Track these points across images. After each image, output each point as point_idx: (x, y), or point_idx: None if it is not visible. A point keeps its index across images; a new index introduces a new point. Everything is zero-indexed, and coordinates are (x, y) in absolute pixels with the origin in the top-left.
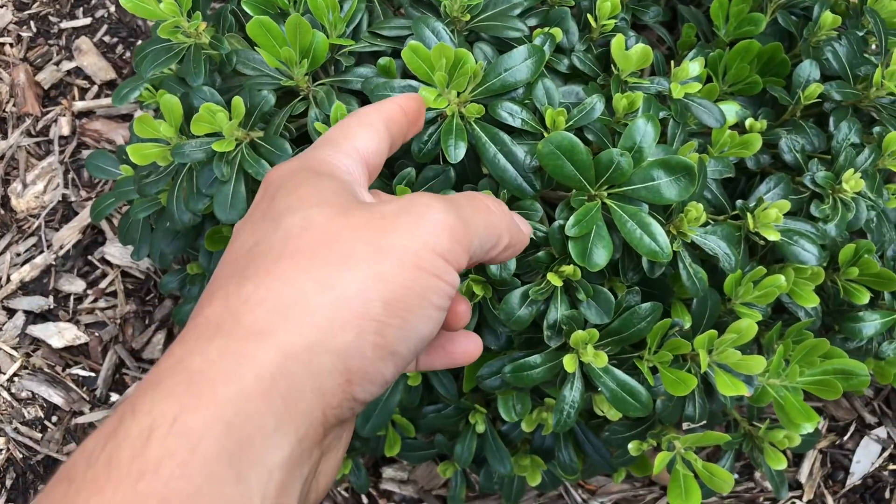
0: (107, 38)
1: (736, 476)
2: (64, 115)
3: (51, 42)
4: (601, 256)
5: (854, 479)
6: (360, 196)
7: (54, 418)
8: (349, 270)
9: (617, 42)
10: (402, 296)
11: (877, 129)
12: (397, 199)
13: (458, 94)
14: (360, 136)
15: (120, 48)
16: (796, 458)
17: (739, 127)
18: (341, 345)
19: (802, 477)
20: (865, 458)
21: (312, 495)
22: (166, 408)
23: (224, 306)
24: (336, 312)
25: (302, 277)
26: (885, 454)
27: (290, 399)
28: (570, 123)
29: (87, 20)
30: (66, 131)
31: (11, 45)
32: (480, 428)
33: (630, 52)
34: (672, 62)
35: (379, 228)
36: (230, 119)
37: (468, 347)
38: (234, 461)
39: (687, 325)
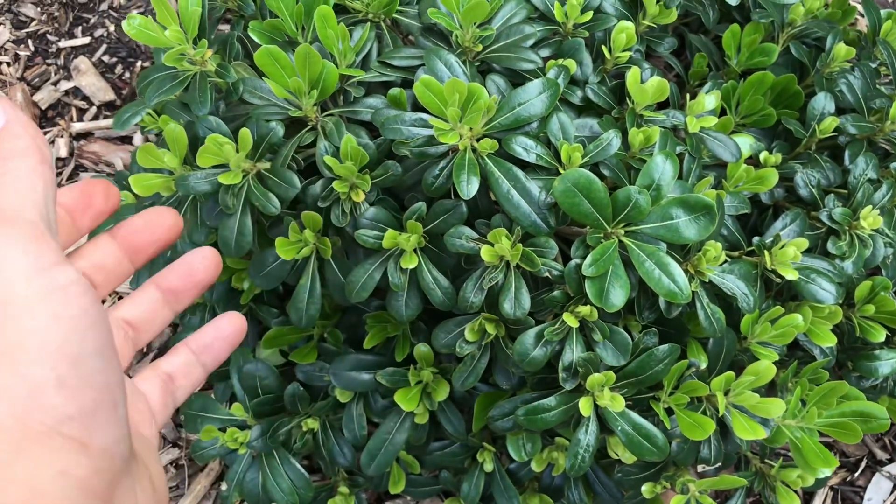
0: (106, 58)
1: None
2: (62, 137)
3: (49, 61)
4: (619, 297)
5: None
6: None
7: None
8: None
9: (633, 75)
10: (41, 342)
11: (893, 164)
12: None
13: (471, 128)
14: None
15: (119, 68)
16: (807, 495)
17: (754, 160)
18: (41, 424)
19: None
20: (877, 496)
21: None
22: None
23: None
24: (14, 405)
25: None
26: None
27: (33, 497)
28: (586, 159)
29: (86, 39)
30: (63, 153)
31: (9, 63)
32: (489, 466)
33: (646, 86)
34: (684, 91)
35: None
36: (237, 151)
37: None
38: None
39: (703, 365)
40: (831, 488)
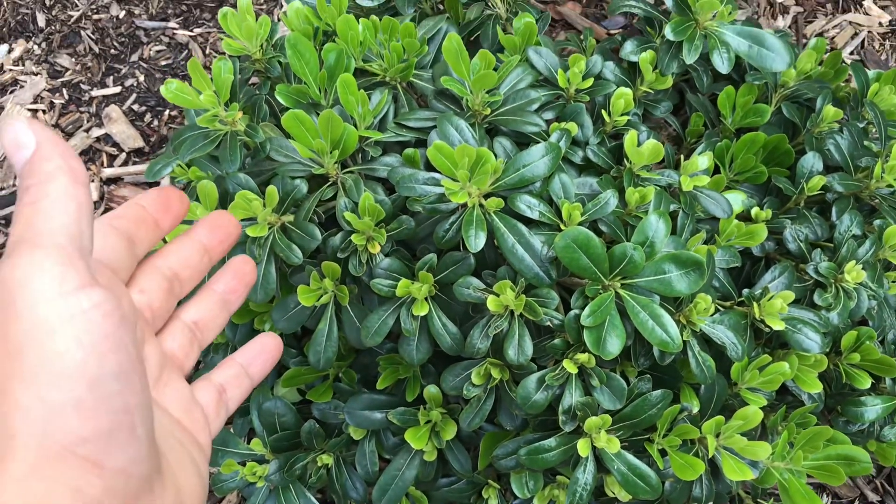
0: (135, 107)
1: None
2: (93, 181)
3: (82, 109)
4: (615, 345)
5: None
6: None
7: None
8: (12, 389)
9: (630, 139)
10: (59, 365)
11: (877, 221)
12: None
13: (479, 188)
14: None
15: (148, 116)
16: None
17: (745, 214)
18: (57, 444)
19: None
20: None
21: None
22: None
23: None
24: (31, 426)
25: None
26: None
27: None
28: (585, 217)
29: (117, 89)
30: (95, 197)
31: (44, 111)
32: (493, 503)
33: (642, 149)
34: (680, 148)
35: (4, 338)
36: (264, 206)
37: (268, 342)
38: None
39: (695, 410)
40: None
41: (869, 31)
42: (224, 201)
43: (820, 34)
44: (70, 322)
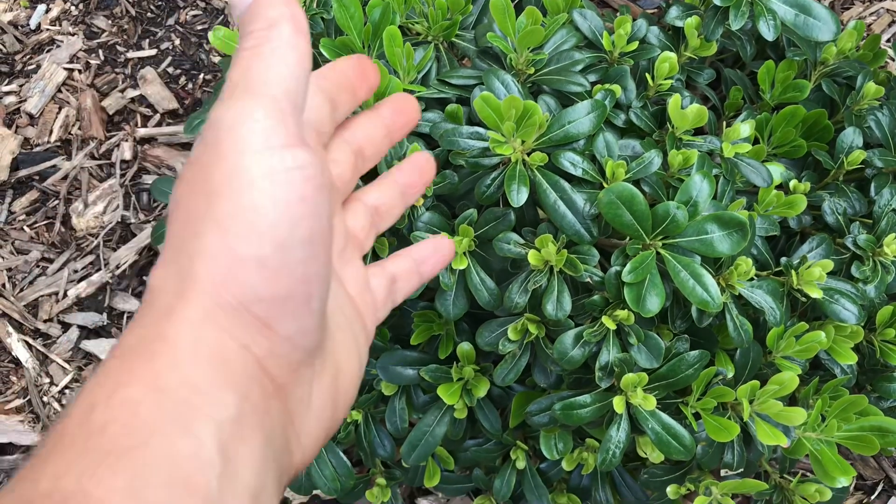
0: (170, 70)
1: None
2: (126, 141)
3: (117, 70)
4: (654, 303)
5: None
6: None
7: None
8: (204, 231)
9: (674, 101)
10: (256, 216)
11: None
12: (205, 129)
13: (523, 142)
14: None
15: (183, 79)
16: None
17: (783, 188)
18: (232, 299)
19: None
20: None
21: (296, 448)
22: (103, 386)
23: (147, 291)
24: (215, 274)
25: (180, 255)
26: None
27: (218, 360)
28: (629, 175)
29: (153, 51)
30: (127, 156)
31: (80, 71)
32: (521, 464)
33: (686, 112)
34: (720, 121)
35: (202, 178)
36: None
37: (443, 244)
38: (177, 420)
39: (730, 375)
40: None
41: None
42: None
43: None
44: (270, 178)
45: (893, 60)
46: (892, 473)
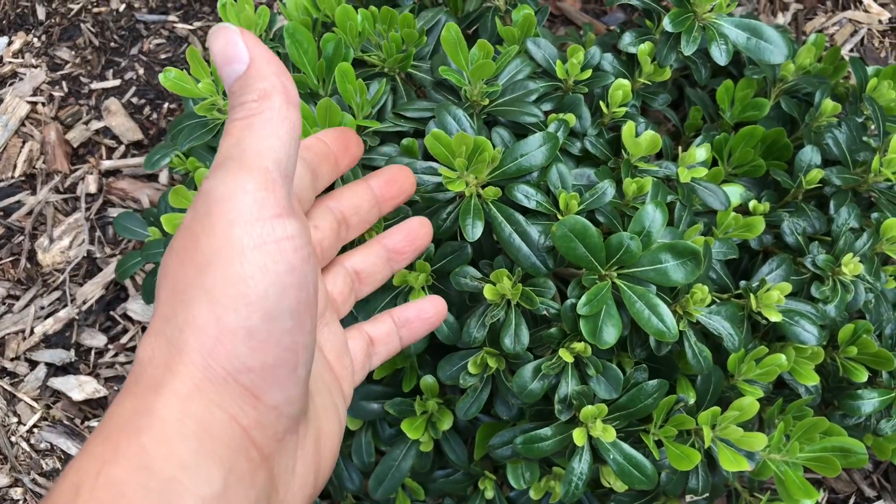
0: (135, 100)
1: None
2: (91, 174)
3: (81, 102)
4: (611, 335)
5: None
6: None
7: None
8: (193, 302)
9: (628, 129)
10: (245, 288)
11: (875, 214)
12: (195, 201)
13: (477, 177)
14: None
15: (147, 109)
16: None
17: (743, 208)
18: (221, 370)
19: None
20: None
21: (311, 476)
22: (90, 465)
23: (137, 364)
24: (202, 345)
25: (169, 329)
26: None
27: (204, 435)
28: (583, 206)
29: (117, 82)
30: (92, 189)
31: (44, 104)
32: (489, 494)
33: (640, 140)
34: (678, 142)
35: (192, 247)
36: None
37: (428, 308)
38: (162, 499)
39: (691, 401)
40: None
41: (869, 29)
42: None
43: (820, 31)
44: (261, 248)
45: (852, 75)
46: (863, 486)
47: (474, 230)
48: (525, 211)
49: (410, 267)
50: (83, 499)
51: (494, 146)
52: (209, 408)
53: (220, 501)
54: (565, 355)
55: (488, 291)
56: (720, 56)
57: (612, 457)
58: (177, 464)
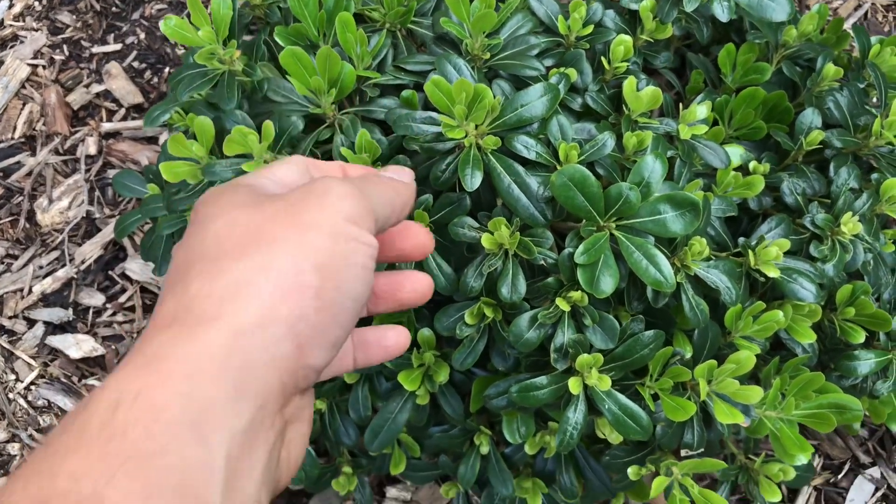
0: (136, 64)
1: None
2: (91, 136)
3: (82, 65)
4: (608, 284)
5: None
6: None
7: None
8: (278, 250)
9: (629, 84)
10: (329, 260)
11: (875, 175)
12: (302, 185)
13: (477, 126)
14: (277, 168)
15: (148, 73)
16: (791, 494)
17: (743, 169)
18: (286, 314)
19: None
20: (859, 497)
21: (283, 465)
22: (130, 385)
23: (175, 304)
24: (276, 287)
25: (239, 267)
26: (878, 494)
27: (245, 372)
28: (583, 158)
29: (118, 46)
30: (92, 151)
31: (44, 66)
32: (484, 449)
33: (641, 94)
34: (682, 105)
35: (292, 211)
36: (260, 141)
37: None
38: (195, 427)
39: (688, 355)
40: (815, 489)
41: (872, 3)
42: (221, 141)
43: (822, 3)
44: (351, 241)
45: (855, 48)
46: (858, 453)
47: (473, 180)
48: (525, 162)
49: (410, 217)
50: (121, 414)
51: (495, 97)
52: (257, 347)
53: (246, 436)
54: (562, 304)
55: (486, 240)
56: (722, 13)
57: (607, 407)
58: (215, 395)
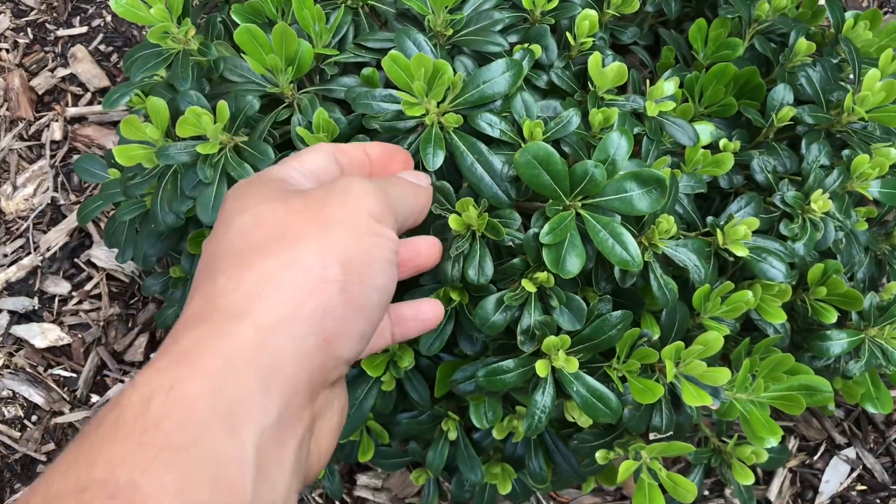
0: (102, 47)
1: (706, 493)
2: (56, 121)
3: (47, 49)
4: (574, 264)
5: (823, 498)
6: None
7: (34, 417)
8: (303, 246)
9: (594, 60)
10: (353, 254)
11: (846, 152)
12: (327, 183)
13: (438, 104)
14: (306, 157)
15: (115, 57)
16: (767, 476)
17: (713, 147)
18: (312, 309)
19: (772, 495)
20: (834, 478)
21: (314, 457)
22: (162, 380)
23: (203, 300)
24: (302, 283)
25: (265, 263)
26: (854, 474)
27: (274, 366)
28: (548, 135)
29: (84, 29)
30: (58, 136)
31: (7, 50)
32: (452, 435)
33: (606, 70)
34: (653, 82)
35: (317, 207)
36: (215, 122)
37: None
38: (226, 420)
39: (656, 337)
40: (790, 470)
41: None
42: (176, 121)
43: None
44: (375, 235)
45: (830, 25)
46: (834, 433)
47: (435, 159)
48: (489, 140)
49: None
50: (154, 409)
51: (458, 73)
52: (285, 342)
53: (275, 430)
54: (528, 285)
55: (454, 221)
56: None
57: (575, 389)
58: (245, 390)
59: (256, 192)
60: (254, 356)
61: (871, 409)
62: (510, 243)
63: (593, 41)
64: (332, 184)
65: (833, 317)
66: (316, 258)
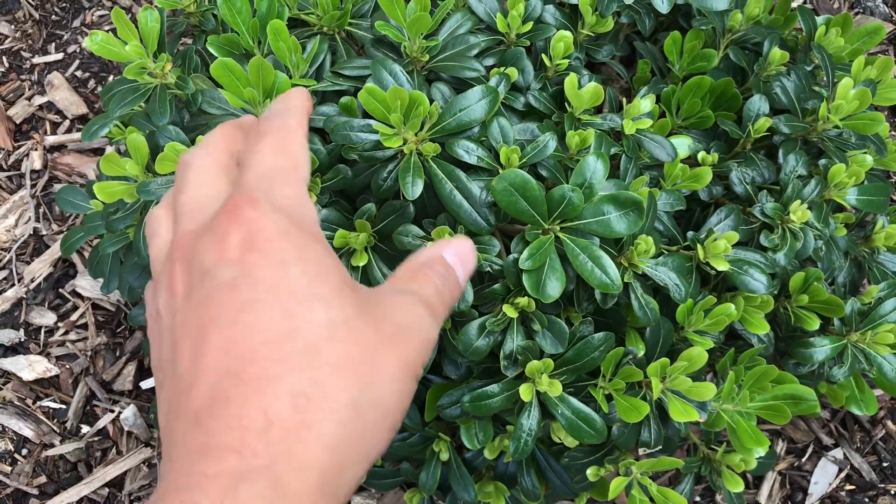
0: (79, 73)
1: (697, 499)
2: (36, 150)
3: (23, 77)
4: (554, 288)
5: (812, 499)
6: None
7: (24, 451)
8: (333, 378)
9: (570, 81)
10: (382, 401)
11: (822, 161)
12: (388, 304)
13: (416, 133)
14: (304, 163)
15: (92, 83)
16: (756, 480)
17: (692, 160)
18: (337, 459)
19: (762, 498)
20: (823, 479)
21: None
22: None
23: (201, 438)
24: (331, 429)
25: (287, 391)
26: (842, 475)
27: None
28: (524, 160)
29: (59, 55)
30: (37, 165)
31: None
32: (444, 456)
33: (582, 92)
34: (631, 97)
35: (373, 342)
36: None
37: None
38: None
39: (641, 354)
40: (779, 473)
41: None
42: (156, 156)
43: None
44: (409, 383)
45: (803, 29)
46: (821, 435)
47: (414, 188)
48: (467, 167)
49: (351, 227)
50: None
51: (434, 102)
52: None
53: None
54: (509, 311)
55: None
56: (661, 4)
57: (560, 412)
58: None
59: (309, 267)
60: None
61: (856, 412)
62: (488, 269)
63: (569, 62)
64: (401, 319)
65: (815, 324)
66: (348, 397)
